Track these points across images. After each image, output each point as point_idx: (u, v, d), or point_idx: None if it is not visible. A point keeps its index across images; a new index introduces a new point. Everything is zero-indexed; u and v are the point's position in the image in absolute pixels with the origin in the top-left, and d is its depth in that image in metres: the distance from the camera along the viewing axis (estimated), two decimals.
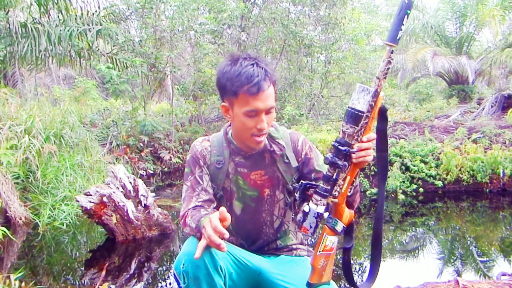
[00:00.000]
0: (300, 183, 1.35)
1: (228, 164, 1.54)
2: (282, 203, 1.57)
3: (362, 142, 1.24)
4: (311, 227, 1.27)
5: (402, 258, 3.66)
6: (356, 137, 1.25)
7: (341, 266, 1.45)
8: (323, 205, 1.27)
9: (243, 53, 1.49)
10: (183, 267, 1.29)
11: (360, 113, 1.22)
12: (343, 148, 1.23)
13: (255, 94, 1.36)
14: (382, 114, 1.28)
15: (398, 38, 1.17)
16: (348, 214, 1.33)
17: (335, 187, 1.28)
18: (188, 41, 8.06)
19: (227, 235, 1.19)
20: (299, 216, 1.28)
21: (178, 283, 1.33)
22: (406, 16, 1.17)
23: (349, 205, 1.36)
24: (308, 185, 1.33)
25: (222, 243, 1.18)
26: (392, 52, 1.19)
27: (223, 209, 1.23)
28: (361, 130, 1.24)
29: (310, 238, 1.66)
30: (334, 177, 1.27)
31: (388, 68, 1.21)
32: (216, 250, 1.29)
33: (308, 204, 1.28)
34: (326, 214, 1.27)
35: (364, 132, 1.24)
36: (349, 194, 1.32)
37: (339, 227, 1.31)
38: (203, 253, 1.27)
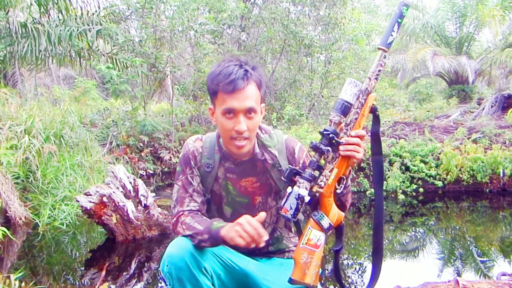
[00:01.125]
0: (287, 168, 1.35)
1: (218, 168, 1.51)
2: (274, 210, 1.55)
3: (351, 136, 1.29)
4: (291, 208, 1.29)
5: (402, 258, 3.66)
6: (345, 130, 1.31)
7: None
8: (306, 188, 1.29)
9: (240, 55, 1.49)
10: (166, 269, 1.31)
11: (346, 103, 1.30)
12: (326, 133, 1.29)
13: (230, 92, 1.34)
14: (374, 114, 1.33)
15: (388, 42, 1.30)
16: (336, 213, 1.35)
17: (321, 177, 1.32)
18: (188, 41, 8.03)
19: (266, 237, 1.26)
20: (283, 200, 1.31)
21: (165, 283, 1.35)
22: (397, 24, 1.30)
23: (340, 206, 1.37)
24: (294, 171, 1.34)
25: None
26: (384, 56, 1.32)
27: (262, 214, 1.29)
28: (350, 125, 1.30)
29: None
30: (318, 162, 1.31)
31: (380, 70, 1.31)
32: (199, 251, 1.31)
33: (292, 187, 1.31)
34: (307, 198, 1.29)
35: (353, 127, 1.30)
36: (339, 191, 1.34)
37: (325, 222, 1.32)
38: (185, 255, 1.29)
